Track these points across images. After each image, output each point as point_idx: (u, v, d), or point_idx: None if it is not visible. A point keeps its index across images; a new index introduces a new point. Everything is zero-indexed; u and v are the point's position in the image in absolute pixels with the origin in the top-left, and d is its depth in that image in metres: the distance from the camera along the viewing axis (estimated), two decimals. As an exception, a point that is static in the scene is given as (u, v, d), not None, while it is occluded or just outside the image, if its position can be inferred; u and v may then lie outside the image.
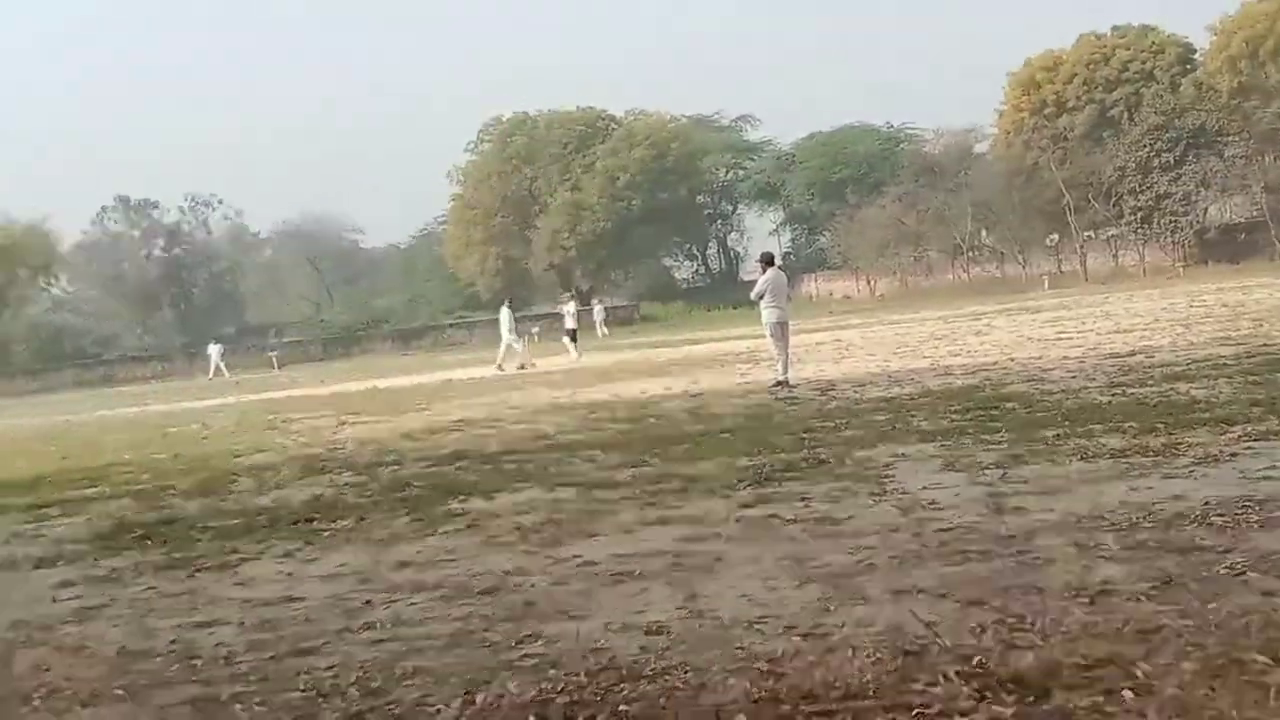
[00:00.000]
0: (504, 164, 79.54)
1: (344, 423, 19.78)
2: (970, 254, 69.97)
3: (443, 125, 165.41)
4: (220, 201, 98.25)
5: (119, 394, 49.28)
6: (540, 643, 5.45)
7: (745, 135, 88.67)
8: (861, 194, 75.24)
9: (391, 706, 4.72)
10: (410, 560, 7.70)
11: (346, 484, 11.75)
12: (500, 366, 33.27)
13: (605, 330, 56.42)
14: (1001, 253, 69.18)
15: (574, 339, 36.39)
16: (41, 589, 8.00)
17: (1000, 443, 10.13)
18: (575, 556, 7.31)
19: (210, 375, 55.88)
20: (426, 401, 23.15)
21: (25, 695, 5.44)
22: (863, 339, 30.52)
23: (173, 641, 6.17)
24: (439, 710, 4.59)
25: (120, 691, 5.35)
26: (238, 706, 4.93)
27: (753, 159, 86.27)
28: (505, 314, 34.59)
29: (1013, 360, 18.77)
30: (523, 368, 32.68)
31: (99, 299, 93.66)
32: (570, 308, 37.44)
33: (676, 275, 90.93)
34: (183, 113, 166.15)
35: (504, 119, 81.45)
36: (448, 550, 7.93)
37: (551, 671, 4.96)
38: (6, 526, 11.17)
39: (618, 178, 75.64)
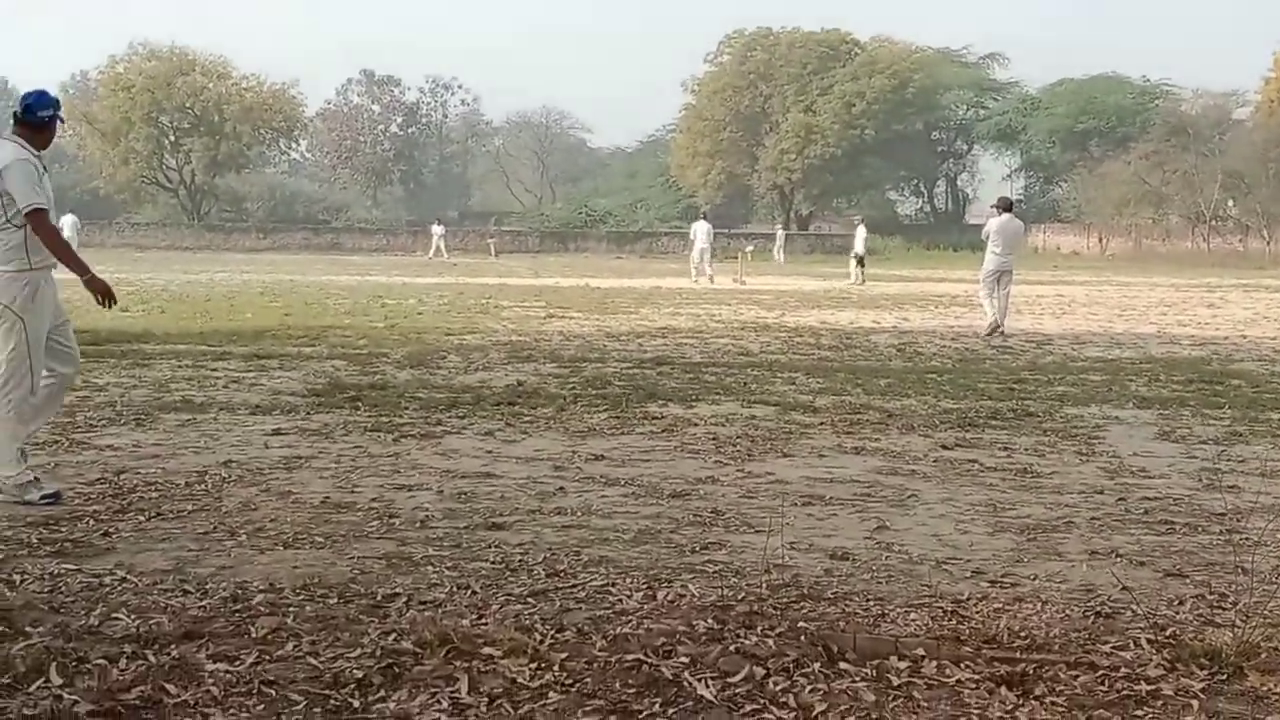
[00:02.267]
0: (740, 78, 78.60)
1: (552, 315, 20.13)
2: (1213, 223, 66.70)
3: (680, 35, 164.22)
4: (460, 86, 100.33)
5: (344, 261, 51.06)
6: (724, 551, 5.49)
7: (991, 74, 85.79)
8: (1106, 147, 72.28)
9: (576, 589, 4.82)
10: (605, 455, 7.82)
11: (550, 374, 11.99)
12: (712, 279, 33.35)
13: (783, 257, 55.31)
14: (1247, 225, 65.69)
15: (861, 264, 35.77)
16: (256, 435, 8.41)
17: (1222, 419, 9.71)
18: (767, 474, 7.32)
19: (430, 254, 57.28)
20: (634, 305, 23.37)
21: (232, 530, 5.74)
22: (1087, 297, 29.54)
23: (374, 499, 6.42)
24: (620, 600, 4.67)
25: (320, 538, 5.60)
26: (429, 568, 5.10)
27: (995, 99, 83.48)
28: (704, 228, 34.55)
29: (1245, 337, 17.95)
30: (718, 281, 32.66)
31: (334, 167, 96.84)
32: (861, 232, 36.97)
33: (899, 210, 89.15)
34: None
35: (746, 32, 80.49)
36: (642, 450, 8.03)
37: (733, 580, 4.98)
38: (229, 372, 11.74)
39: (854, 104, 74.04)
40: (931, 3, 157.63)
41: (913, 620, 4.50)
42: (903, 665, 3.99)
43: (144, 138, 73.86)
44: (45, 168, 6.59)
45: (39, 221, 6.34)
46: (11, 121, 6.61)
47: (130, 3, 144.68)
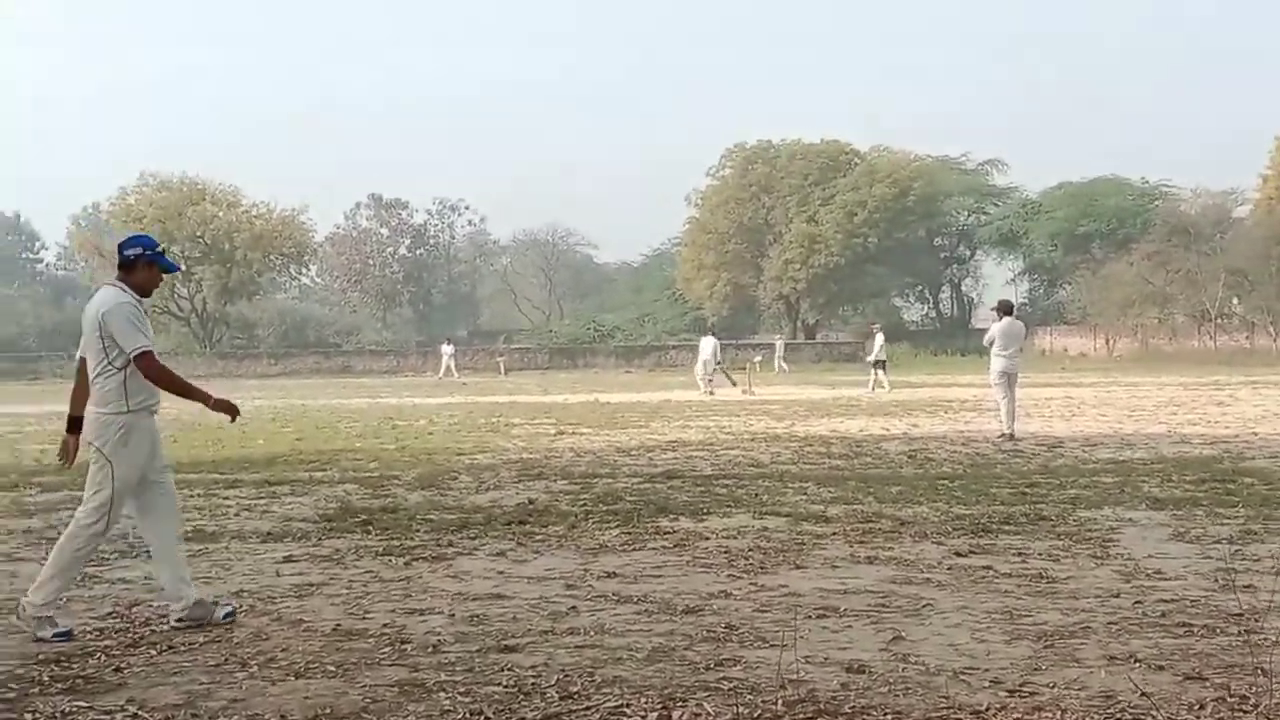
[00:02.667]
0: (743, 190, 79.51)
1: (563, 432, 20.15)
2: (1218, 321, 66.75)
3: (681, 150, 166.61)
4: (467, 207, 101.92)
5: (355, 384, 51.24)
6: (739, 667, 5.45)
7: (991, 180, 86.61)
8: (1108, 249, 72.70)
9: (589, 712, 4.78)
10: (617, 572, 7.80)
11: (561, 491, 11.98)
12: (712, 393, 33.49)
13: (786, 366, 55.57)
14: (1253, 323, 65.70)
15: (884, 369, 35.65)
16: (267, 562, 8.40)
17: (1235, 517, 9.67)
18: (780, 586, 7.28)
19: (440, 374, 57.49)
20: (644, 419, 23.39)
21: (243, 661, 5.71)
22: (1095, 398, 29.52)
23: (385, 625, 6.40)
24: (634, 721, 4.63)
25: (332, 667, 5.56)
26: (442, 694, 5.07)
27: (996, 204, 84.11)
28: (710, 343, 35.10)
29: (1255, 434, 17.88)
30: (732, 390, 32.69)
31: (344, 291, 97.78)
32: (879, 339, 37.08)
33: (905, 316, 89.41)
34: (433, 122, 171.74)
35: (748, 145, 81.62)
36: (654, 566, 8.00)
37: (749, 697, 4.94)
38: (240, 500, 11.75)
39: (856, 213, 74.78)
40: (928, 115, 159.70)
41: (931, 733, 4.45)
42: (922, 780, 3.94)
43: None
44: (146, 311, 6.59)
45: (148, 364, 6.40)
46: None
47: (138, 135, 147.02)
